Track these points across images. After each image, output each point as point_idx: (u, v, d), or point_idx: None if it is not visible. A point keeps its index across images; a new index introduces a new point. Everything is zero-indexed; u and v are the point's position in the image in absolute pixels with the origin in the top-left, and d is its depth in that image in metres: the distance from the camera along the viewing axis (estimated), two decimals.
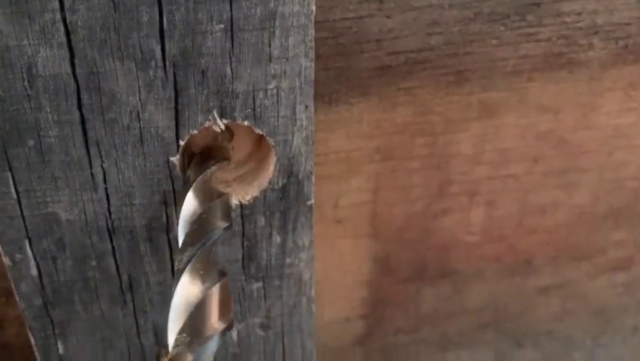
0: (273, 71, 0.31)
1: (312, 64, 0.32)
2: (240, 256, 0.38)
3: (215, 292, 0.29)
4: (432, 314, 0.54)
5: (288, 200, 0.36)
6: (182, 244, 0.31)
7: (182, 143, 0.33)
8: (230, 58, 0.31)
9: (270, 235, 0.37)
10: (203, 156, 0.35)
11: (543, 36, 0.42)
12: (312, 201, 0.36)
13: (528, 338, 0.58)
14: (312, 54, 0.31)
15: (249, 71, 0.31)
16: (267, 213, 0.36)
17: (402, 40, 0.40)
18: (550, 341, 0.59)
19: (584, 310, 0.58)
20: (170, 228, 0.36)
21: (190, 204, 0.32)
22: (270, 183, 0.35)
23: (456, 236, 0.50)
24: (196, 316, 0.28)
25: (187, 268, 0.29)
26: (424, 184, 0.47)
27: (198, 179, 0.32)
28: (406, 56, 0.41)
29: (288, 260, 0.38)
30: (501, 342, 0.58)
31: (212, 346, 0.28)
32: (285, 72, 0.31)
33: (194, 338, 0.28)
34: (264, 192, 0.35)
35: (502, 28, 0.41)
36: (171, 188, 0.34)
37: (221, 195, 0.33)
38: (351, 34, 0.40)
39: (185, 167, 0.35)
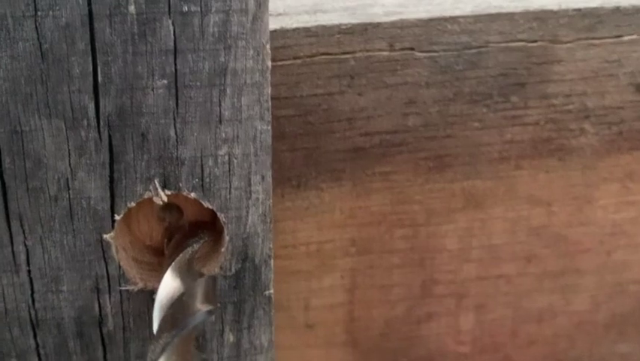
0: (223, 134, 0.28)
1: (269, 128, 0.28)
2: None
3: None
4: None
5: (242, 289, 0.31)
6: (157, 330, 0.27)
7: (117, 218, 0.28)
8: (175, 119, 0.27)
9: (222, 332, 0.32)
10: (185, 234, 0.31)
11: (530, 120, 0.39)
12: (272, 291, 0.32)
13: None
14: (268, 116, 0.28)
15: (196, 134, 0.27)
16: (219, 305, 0.31)
17: (376, 120, 0.37)
18: None
19: None
20: (103, 321, 0.30)
21: (168, 286, 0.28)
22: (221, 268, 0.31)
23: (444, 345, 0.44)
24: None
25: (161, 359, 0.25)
26: (405, 283, 0.42)
27: (178, 258, 0.28)
28: (380, 137, 0.38)
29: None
30: None
31: None
32: (237, 136, 0.28)
33: None
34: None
35: (484, 109, 0.38)
36: (105, 272, 0.30)
37: (203, 275, 0.29)
38: (320, 112, 0.36)
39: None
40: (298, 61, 0.35)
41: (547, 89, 0.38)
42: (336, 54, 0.35)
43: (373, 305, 0.42)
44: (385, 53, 0.36)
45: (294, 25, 0.35)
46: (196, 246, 0.30)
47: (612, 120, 0.40)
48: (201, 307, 0.28)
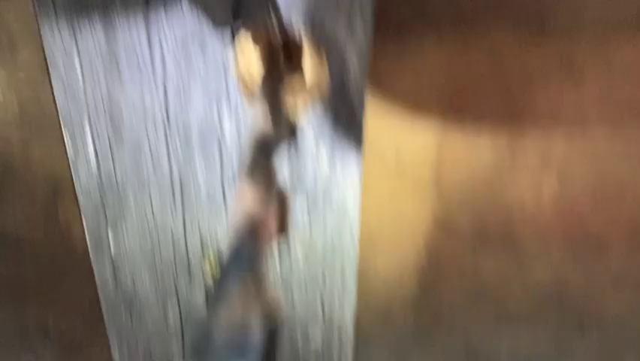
0: None
1: None
2: (286, 170, 0.38)
3: (274, 204, 0.27)
4: (492, 281, 0.52)
5: (338, 117, 0.36)
6: (250, 148, 0.29)
7: (237, 33, 0.33)
8: None
9: (317, 150, 0.37)
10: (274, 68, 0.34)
11: None
12: (363, 120, 0.36)
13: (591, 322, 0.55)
14: None
15: None
16: (317, 126, 0.36)
17: None
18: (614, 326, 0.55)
19: None
20: (221, 132, 0.36)
21: (260, 110, 0.30)
22: (322, 96, 0.35)
23: (523, 203, 0.48)
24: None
25: (248, 174, 0.27)
26: (492, 142, 0.45)
27: (268, 87, 0.32)
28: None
29: (333, 180, 0.38)
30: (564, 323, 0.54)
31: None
32: None
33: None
34: (314, 105, 0.36)
35: None
36: (225, 88, 0.35)
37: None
38: None
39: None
40: None
41: None
42: None
43: (459, 153, 0.46)
44: None
45: None
46: (285, 80, 0.32)
47: None
48: (284, 129, 0.29)
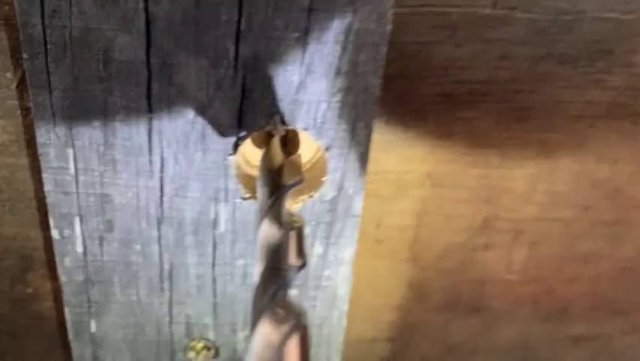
0: (339, 84, 0.32)
1: (379, 82, 0.32)
2: None
3: (295, 340, 0.27)
4: (460, 347, 0.54)
5: (335, 213, 0.36)
6: (262, 281, 0.29)
7: (241, 143, 0.33)
8: (300, 67, 0.31)
9: (313, 244, 0.37)
10: (277, 175, 0.34)
11: (611, 84, 0.41)
12: (359, 217, 0.37)
13: None
14: (380, 72, 0.32)
15: (316, 82, 0.32)
16: (313, 223, 0.37)
17: (468, 70, 0.40)
18: None
19: None
20: (216, 224, 0.36)
21: (267, 237, 0.30)
22: (320, 193, 0.35)
23: (494, 272, 0.50)
24: None
25: (267, 309, 0.27)
26: (468, 215, 0.46)
27: (276, 203, 0.31)
28: (470, 86, 0.41)
29: (326, 272, 0.39)
30: None
31: None
32: (351, 87, 0.32)
33: None
34: (312, 201, 0.36)
35: (571, 71, 0.41)
36: (224, 186, 0.35)
37: (295, 225, 0.31)
38: (419, 59, 0.40)
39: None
40: (406, 9, 0.38)
41: (631, 58, 0.41)
42: (441, 6, 0.38)
43: (436, 231, 0.47)
44: (487, 11, 0.39)
45: None
46: (290, 192, 0.31)
47: None
48: (295, 261, 0.29)
